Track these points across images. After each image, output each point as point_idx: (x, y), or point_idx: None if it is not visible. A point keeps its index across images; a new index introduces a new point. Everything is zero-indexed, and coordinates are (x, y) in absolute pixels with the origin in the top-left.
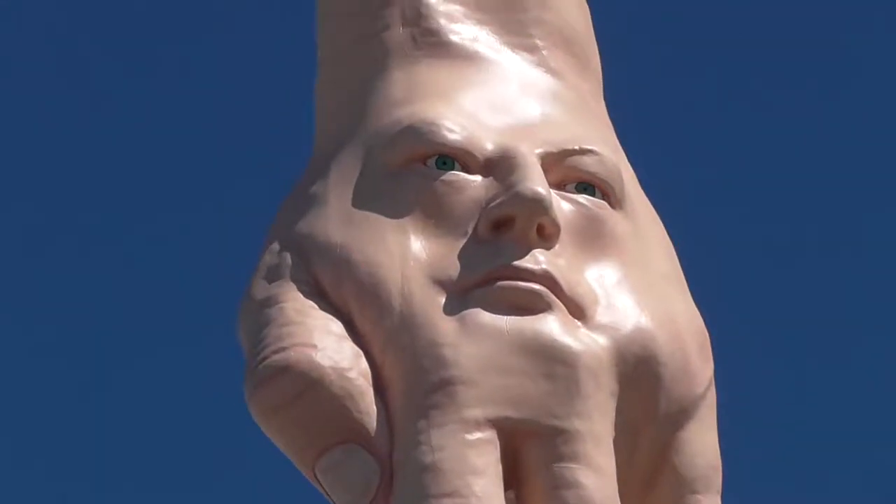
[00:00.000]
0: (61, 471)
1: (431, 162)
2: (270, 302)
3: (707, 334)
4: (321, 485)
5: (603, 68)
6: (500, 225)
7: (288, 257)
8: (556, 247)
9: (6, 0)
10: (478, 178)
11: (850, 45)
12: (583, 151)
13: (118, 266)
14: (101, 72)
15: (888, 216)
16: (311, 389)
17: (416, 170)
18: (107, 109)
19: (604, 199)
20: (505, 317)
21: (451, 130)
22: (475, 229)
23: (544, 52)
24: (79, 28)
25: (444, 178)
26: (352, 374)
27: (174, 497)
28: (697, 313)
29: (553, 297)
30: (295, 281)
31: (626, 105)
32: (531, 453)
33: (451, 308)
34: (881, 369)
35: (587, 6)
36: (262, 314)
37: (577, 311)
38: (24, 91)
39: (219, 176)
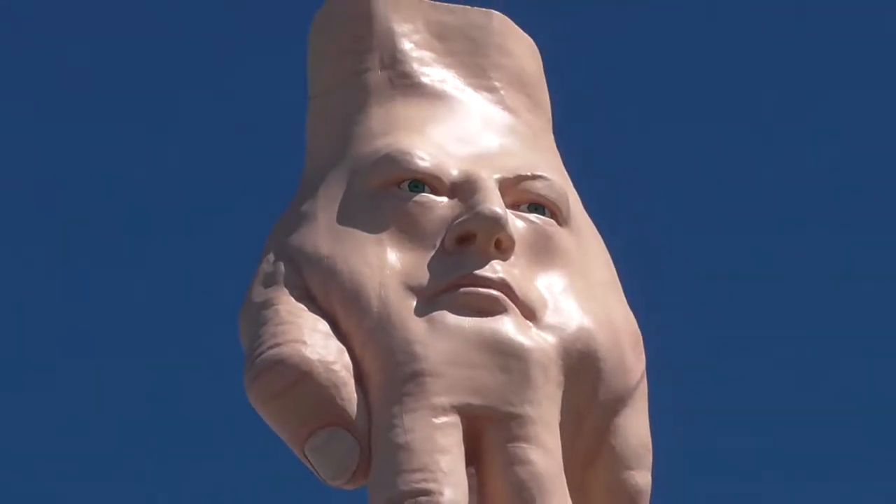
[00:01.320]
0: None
1: (405, 185)
2: (267, 304)
3: (640, 334)
4: (309, 462)
5: (554, 110)
6: (464, 240)
7: (282, 266)
8: (512, 258)
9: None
10: (444, 199)
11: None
12: (534, 177)
13: (140, 267)
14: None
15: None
16: (302, 380)
17: (392, 192)
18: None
19: (552, 218)
20: (467, 318)
21: (421, 158)
22: (442, 243)
23: (502, 93)
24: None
25: (415, 199)
26: (336, 367)
27: (185, 474)
28: (632, 316)
29: (508, 302)
30: (288, 287)
31: (570, 136)
32: (489, 435)
33: (421, 310)
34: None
35: (539, 55)
36: (260, 315)
37: (529, 313)
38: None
39: (223, 193)
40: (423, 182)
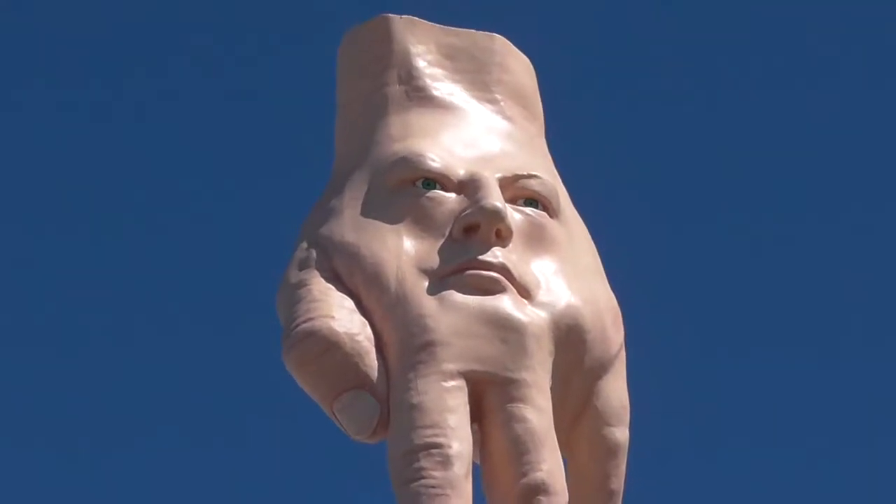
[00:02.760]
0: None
1: (419, 183)
2: (301, 285)
3: (619, 310)
4: (337, 420)
5: (546, 119)
6: (469, 229)
7: (313, 252)
8: (510, 246)
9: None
10: (452, 195)
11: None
12: (529, 176)
13: (177, 255)
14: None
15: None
16: (330, 349)
17: (407, 189)
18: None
19: (544, 211)
20: (472, 296)
21: (433, 160)
22: (450, 232)
23: (502, 104)
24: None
25: (428, 195)
26: (360, 338)
27: (219, 439)
28: (612, 295)
29: (507, 283)
30: (319, 270)
31: (559, 141)
32: (490, 396)
33: (433, 290)
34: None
35: (534, 72)
36: (295, 294)
37: (525, 292)
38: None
39: (261, 186)
40: (434, 180)
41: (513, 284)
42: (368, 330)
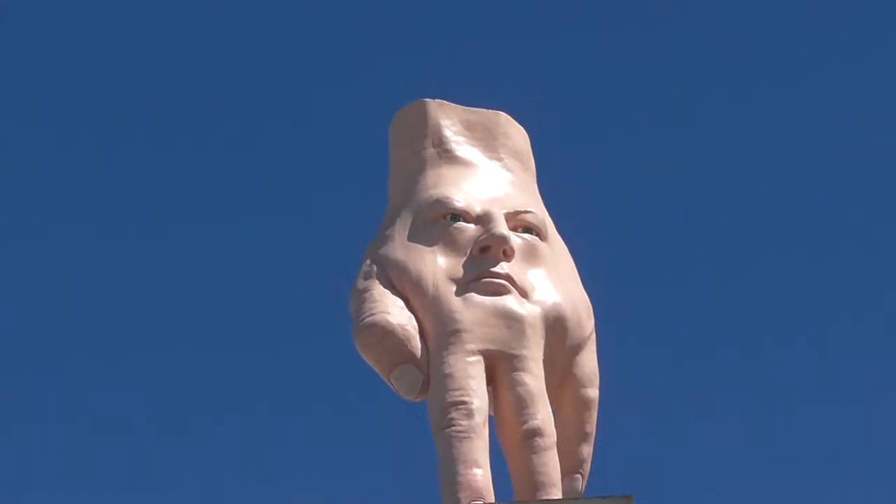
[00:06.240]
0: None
1: (448, 217)
2: (365, 290)
3: (590, 305)
4: (393, 385)
5: (537, 169)
6: (484, 250)
7: (374, 267)
8: (513, 261)
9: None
10: (472, 225)
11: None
12: (526, 211)
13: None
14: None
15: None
16: (387, 336)
17: (440, 222)
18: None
19: (537, 237)
20: (487, 297)
21: (458, 201)
22: (471, 252)
23: (505, 160)
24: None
25: (454, 226)
26: (408, 328)
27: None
28: (585, 294)
29: (511, 287)
30: (378, 279)
31: (547, 184)
32: (500, 367)
33: (459, 293)
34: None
35: (528, 137)
36: (361, 296)
37: (524, 294)
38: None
39: (339, 217)
40: (459, 215)
41: (515, 288)
42: (414, 321)
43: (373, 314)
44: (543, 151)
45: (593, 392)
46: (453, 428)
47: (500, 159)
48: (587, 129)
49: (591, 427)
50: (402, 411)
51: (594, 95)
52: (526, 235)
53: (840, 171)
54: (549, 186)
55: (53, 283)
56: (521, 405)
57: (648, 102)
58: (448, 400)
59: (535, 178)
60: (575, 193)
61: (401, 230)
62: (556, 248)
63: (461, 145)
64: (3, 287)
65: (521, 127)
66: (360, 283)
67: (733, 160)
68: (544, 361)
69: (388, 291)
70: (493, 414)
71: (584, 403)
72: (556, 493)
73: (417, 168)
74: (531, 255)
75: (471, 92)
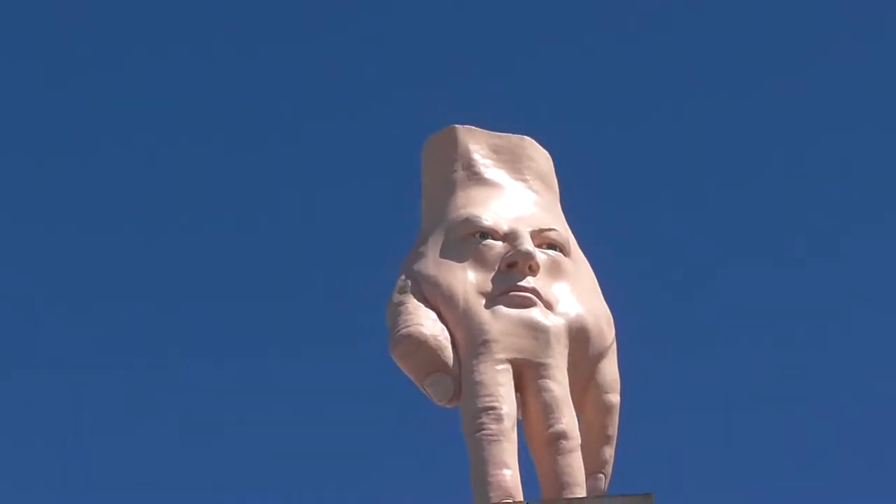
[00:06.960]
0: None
1: (477, 235)
2: (401, 303)
3: (611, 316)
4: (427, 392)
5: (560, 190)
6: (511, 265)
7: (409, 282)
8: (538, 276)
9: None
10: (500, 242)
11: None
12: (550, 229)
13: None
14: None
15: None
16: (421, 346)
17: (470, 239)
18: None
19: (560, 252)
20: (514, 309)
21: (486, 220)
22: (499, 267)
23: (530, 182)
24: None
25: (483, 243)
26: (441, 338)
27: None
28: (606, 306)
29: (537, 300)
30: (413, 293)
31: (570, 205)
32: (527, 374)
33: (488, 305)
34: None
35: (551, 160)
36: (397, 310)
37: (549, 306)
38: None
39: (377, 235)
40: (487, 233)
41: (541, 301)
42: (446, 333)
43: (407, 326)
44: (564, 173)
45: (615, 397)
46: (484, 432)
47: (525, 181)
48: (599, 138)
49: (613, 430)
50: (436, 418)
51: (608, 106)
52: (550, 252)
53: (843, 170)
54: (570, 204)
55: (54, 283)
56: (547, 410)
57: (649, 107)
58: (479, 405)
59: (558, 197)
60: (592, 211)
61: (433, 247)
62: (579, 263)
63: (489, 168)
64: (3, 287)
65: (544, 150)
66: (396, 298)
67: (734, 161)
68: (568, 369)
69: (421, 305)
70: (521, 418)
71: (606, 408)
72: (581, 492)
73: (448, 189)
74: (555, 270)
75: (500, 117)
